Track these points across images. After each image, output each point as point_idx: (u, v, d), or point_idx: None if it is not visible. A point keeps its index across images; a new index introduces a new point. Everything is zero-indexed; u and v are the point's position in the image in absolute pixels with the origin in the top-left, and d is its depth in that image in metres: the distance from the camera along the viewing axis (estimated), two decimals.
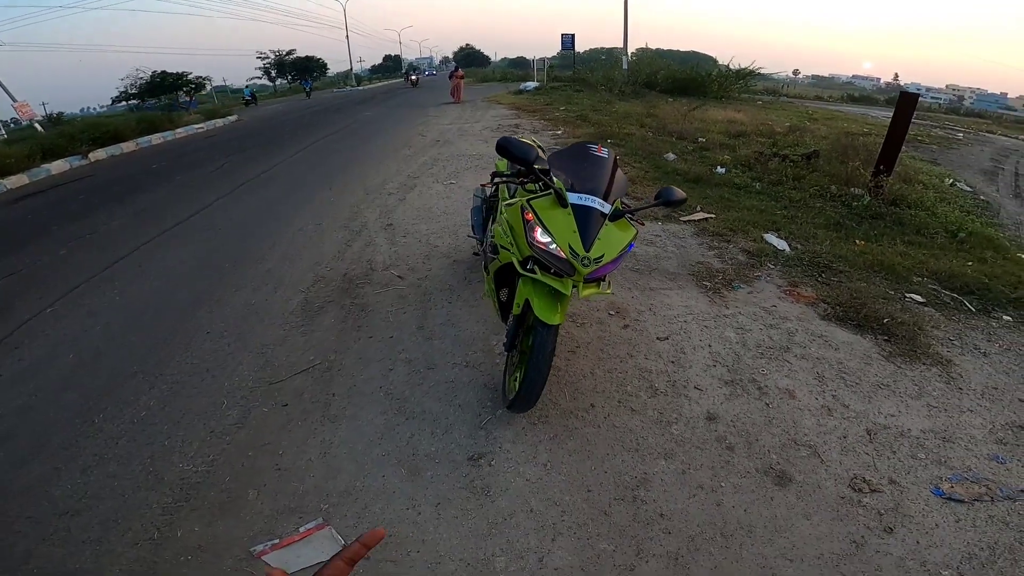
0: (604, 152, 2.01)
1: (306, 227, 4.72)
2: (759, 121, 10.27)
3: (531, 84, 17.13)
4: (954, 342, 3.09)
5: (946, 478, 2.02)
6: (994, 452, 2.18)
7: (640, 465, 2.04)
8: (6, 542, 1.76)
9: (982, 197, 6.98)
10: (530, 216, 1.85)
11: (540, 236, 1.80)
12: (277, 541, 1.78)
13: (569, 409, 2.30)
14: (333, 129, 10.71)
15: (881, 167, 5.39)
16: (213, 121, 10.96)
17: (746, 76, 15.33)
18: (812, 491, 1.95)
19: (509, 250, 2.02)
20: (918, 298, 3.61)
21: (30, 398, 2.50)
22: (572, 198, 1.83)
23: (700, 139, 8.35)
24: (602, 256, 1.78)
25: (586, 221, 1.79)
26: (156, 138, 9.21)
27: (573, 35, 19.40)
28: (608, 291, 1.98)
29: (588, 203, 1.83)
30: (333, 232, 4.55)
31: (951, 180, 7.58)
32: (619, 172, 2.07)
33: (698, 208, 5.04)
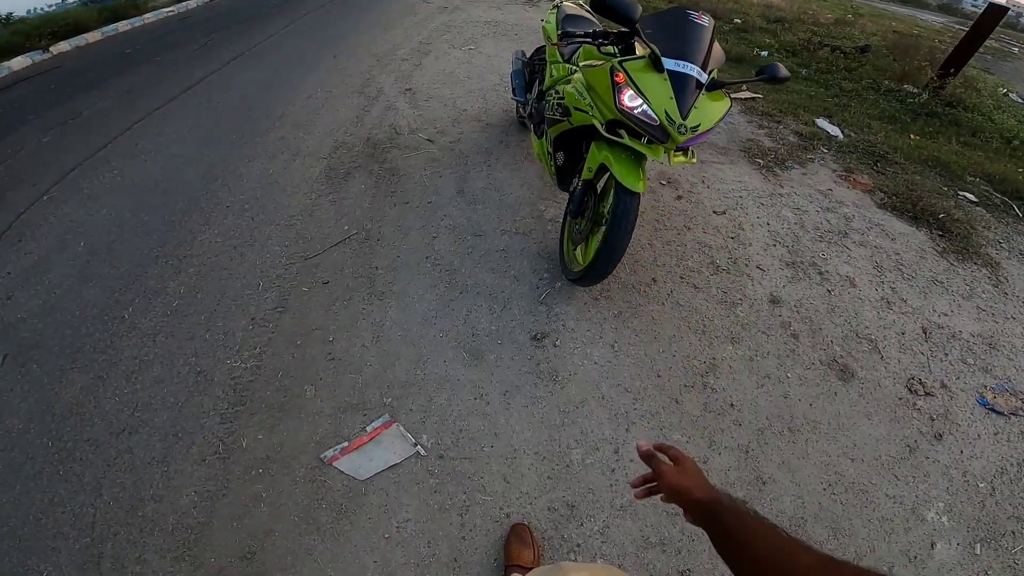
0: (704, 20, 1.72)
1: (315, 95, 4.23)
2: (800, 8, 9.28)
3: None
4: (1003, 245, 3.01)
5: (990, 387, 2.02)
6: None
7: (708, 349, 1.98)
8: (73, 472, 1.55)
9: None
10: (621, 78, 1.65)
11: (632, 100, 1.63)
12: (346, 444, 1.65)
13: (630, 283, 2.20)
14: (316, 4, 9.47)
15: (951, 69, 4.95)
16: (184, 3, 9.53)
17: None
18: (873, 389, 1.93)
19: (587, 112, 1.81)
20: (971, 197, 3.47)
21: (49, 296, 2.18)
22: (668, 63, 1.61)
23: (736, 20, 7.56)
24: (698, 125, 1.63)
25: (682, 88, 1.61)
26: (123, 25, 7.97)
27: None
28: (694, 160, 1.83)
29: (686, 70, 1.62)
30: (347, 98, 4.10)
31: (1004, 90, 7.12)
32: (716, 43, 1.81)
33: (744, 87, 4.65)
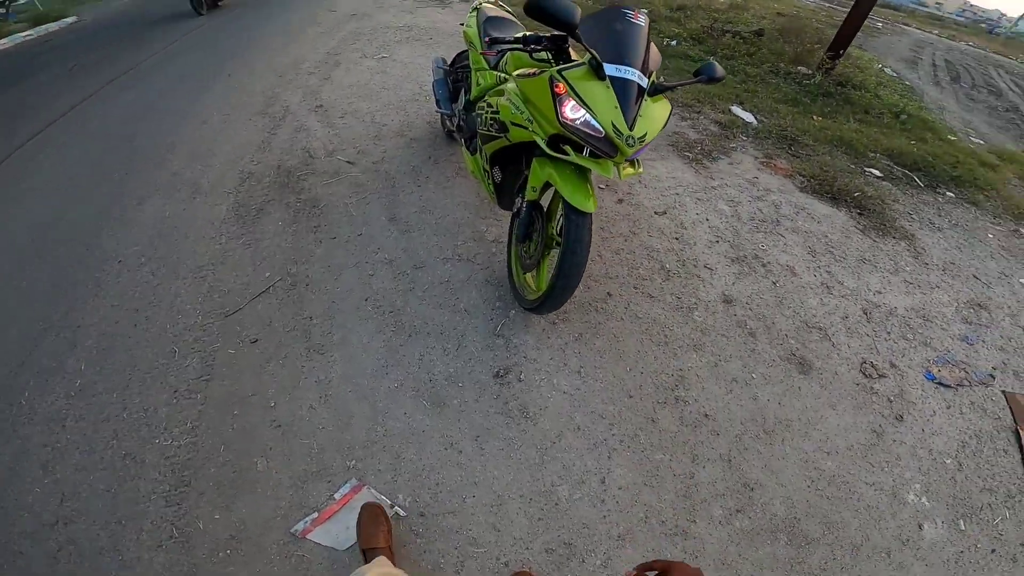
0: (640, 18, 1.62)
1: (211, 119, 3.79)
2: None
3: None
4: (913, 216, 3.24)
5: (933, 361, 2.14)
6: (963, 332, 2.34)
7: (673, 360, 1.94)
8: (17, 568, 1.35)
9: (907, 82, 7.30)
10: (562, 88, 1.50)
11: (574, 112, 1.49)
12: (316, 515, 1.46)
13: (586, 301, 2.10)
14: (213, 14, 8.68)
15: (839, 50, 5.32)
16: (45, 26, 8.39)
17: None
18: (831, 379, 1.97)
19: (526, 127, 1.66)
20: (876, 172, 3.73)
21: None
22: (609, 70, 1.49)
23: (644, 10, 7.78)
24: (645, 134, 1.52)
25: (626, 95, 1.49)
26: None
27: None
28: (641, 170, 1.76)
29: (627, 75, 1.49)
30: (248, 121, 3.70)
31: (880, 65, 7.81)
32: (652, 43, 1.73)
33: (662, 78, 4.74)
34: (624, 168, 1.63)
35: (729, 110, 4.19)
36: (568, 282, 1.68)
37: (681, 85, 1.72)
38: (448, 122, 2.79)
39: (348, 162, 3.02)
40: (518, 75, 1.77)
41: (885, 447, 1.77)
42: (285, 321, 2.00)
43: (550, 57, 1.74)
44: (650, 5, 8.00)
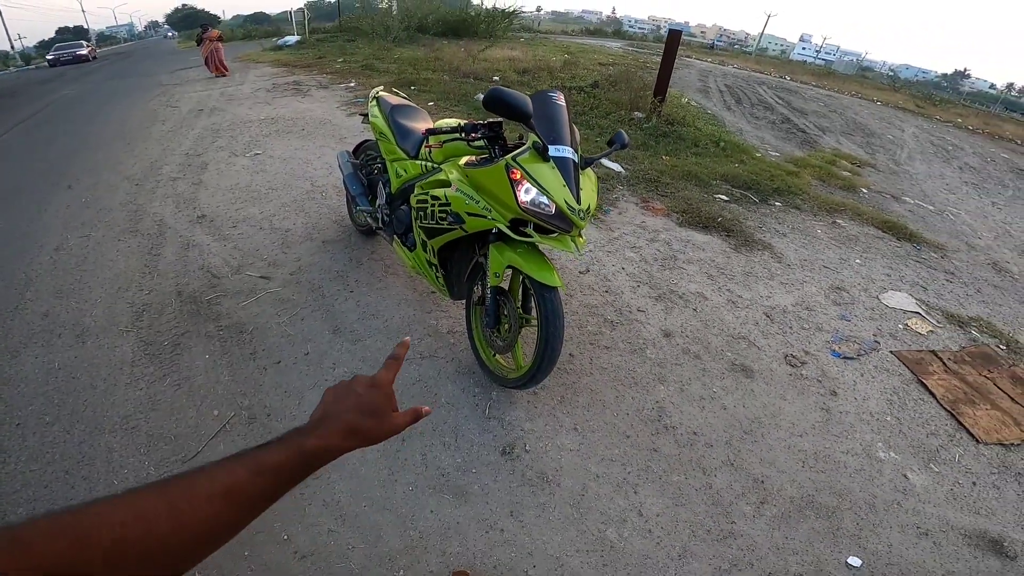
0: (561, 99, 1.86)
1: (65, 243, 3.30)
2: (533, 57, 10.92)
3: (292, 38, 14.67)
4: (762, 229, 3.99)
5: (831, 341, 2.66)
6: (839, 312, 2.95)
7: (647, 396, 2.15)
8: None
9: (709, 112, 8.91)
10: (517, 174, 1.66)
11: (531, 195, 1.66)
12: None
13: (556, 366, 2.24)
14: (23, 115, 7.57)
15: (663, 93, 6.36)
16: None
17: (510, 16, 16.09)
18: (769, 375, 2.36)
19: (485, 216, 1.78)
20: (724, 197, 4.51)
21: None
22: (552, 151, 1.69)
23: (495, 77, 8.51)
24: (589, 206, 1.74)
25: (567, 173, 1.69)
26: None
27: None
28: (585, 240, 1.96)
29: (565, 154, 1.71)
30: (117, 242, 3.29)
31: (685, 99, 9.45)
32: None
33: (601, 161, 5.20)
34: (580, 239, 1.82)
35: (601, 163, 4.77)
36: (554, 353, 1.81)
37: (603, 157, 1.97)
38: (368, 219, 2.78)
39: (262, 277, 2.84)
40: (465, 165, 1.88)
41: (837, 419, 2.17)
42: None
43: (485, 144, 1.87)
44: (499, 73, 8.78)
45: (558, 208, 1.65)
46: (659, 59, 15.00)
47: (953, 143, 10.36)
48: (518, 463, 1.84)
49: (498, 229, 1.77)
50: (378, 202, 2.70)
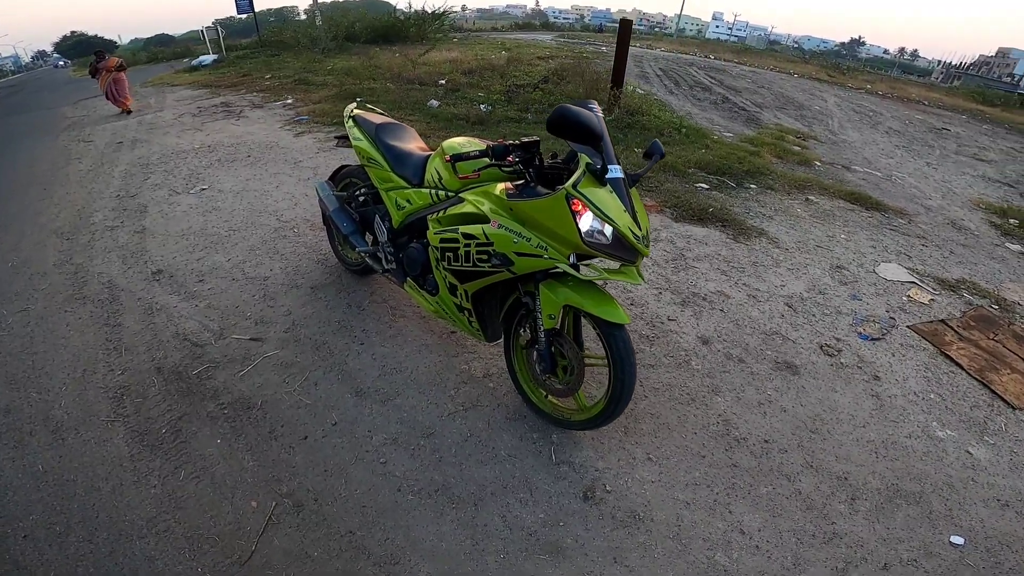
0: (597, 107, 1.68)
1: (4, 321, 2.80)
2: (474, 57, 10.67)
3: (208, 57, 13.50)
4: (750, 214, 4.03)
5: (854, 324, 2.68)
6: (849, 292, 3.00)
7: (708, 411, 2.07)
8: None
9: (656, 97, 9.04)
10: (579, 204, 1.47)
11: (596, 226, 1.47)
12: None
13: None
14: None
15: (620, 84, 6.33)
16: None
17: (440, 17, 15.68)
18: (813, 369, 2.34)
19: (539, 256, 1.58)
20: (704, 186, 4.53)
21: None
22: (611, 171, 1.50)
23: (441, 82, 8.22)
24: (647, 230, 1.56)
25: (621, 194, 1.52)
26: None
27: None
28: None
29: (618, 174, 1.53)
30: (63, 313, 2.82)
31: (631, 87, 9.54)
32: None
33: (647, 174, 4.99)
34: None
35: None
36: (629, 393, 1.66)
37: (647, 171, 1.74)
38: (369, 261, 2.51)
39: (253, 340, 2.51)
40: (508, 196, 1.64)
41: (888, 404, 2.18)
42: (321, 546, 1.57)
43: (520, 167, 1.64)
44: (444, 76, 8.48)
45: (622, 237, 1.49)
46: (594, 48, 15.18)
47: (872, 109, 11.11)
48: (604, 506, 1.70)
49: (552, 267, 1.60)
50: (380, 240, 2.41)
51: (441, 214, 1.92)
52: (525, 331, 1.92)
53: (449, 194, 1.97)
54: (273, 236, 3.46)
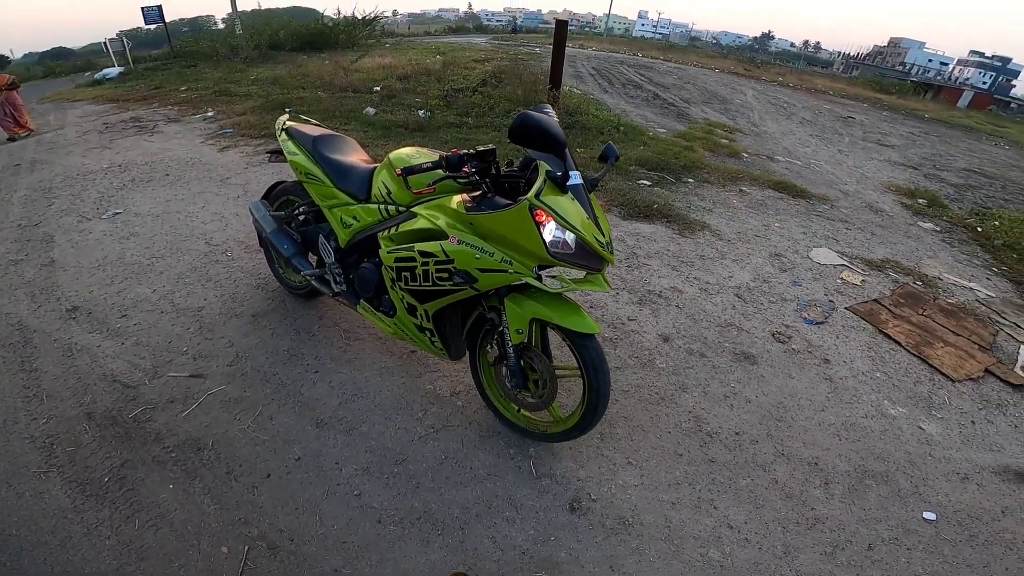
0: (552, 111, 1.65)
1: None
2: (407, 62, 10.45)
3: (113, 70, 12.26)
4: (691, 208, 4.19)
5: (798, 309, 2.84)
6: (790, 279, 3.17)
7: (678, 408, 2.12)
8: None
9: (591, 96, 9.25)
10: (543, 215, 1.43)
11: (559, 235, 1.43)
12: None
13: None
14: None
15: (558, 85, 6.39)
16: None
17: (371, 23, 15.21)
18: (769, 358, 2.45)
19: (504, 271, 1.53)
20: (646, 183, 4.67)
21: None
22: (571, 178, 1.47)
23: (375, 88, 7.97)
24: (609, 236, 1.54)
25: (583, 201, 1.50)
26: None
27: (160, 6, 14.07)
28: None
29: (578, 180, 1.50)
30: None
31: (567, 87, 9.70)
32: None
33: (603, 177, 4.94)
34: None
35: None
36: (605, 401, 1.66)
37: (603, 176, 1.72)
38: (316, 284, 2.34)
39: (193, 376, 2.30)
40: (469, 211, 1.56)
41: (841, 386, 2.32)
42: None
43: (477, 177, 1.55)
44: (378, 83, 8.24)
45: (587, 245, 1.47)
46: (528, 50, 15.29)
47: (786, 101, 11.95)
48: (592, 515, 1.70)
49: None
50: (326, 261, 2.24)
51: (393, 231, 1.82)
52: (492, 347, 1.87)
53: (400, 209, 1.86)
54: (203, 262, 3.20)
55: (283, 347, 2.45)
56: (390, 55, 11.69)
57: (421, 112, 6.57)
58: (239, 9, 13.18)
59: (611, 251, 1.53)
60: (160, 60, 13.34)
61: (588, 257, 1.48)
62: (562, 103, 6.60)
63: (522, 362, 1.75)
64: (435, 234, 1.67)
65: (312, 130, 2.37)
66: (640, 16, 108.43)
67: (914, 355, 2.55)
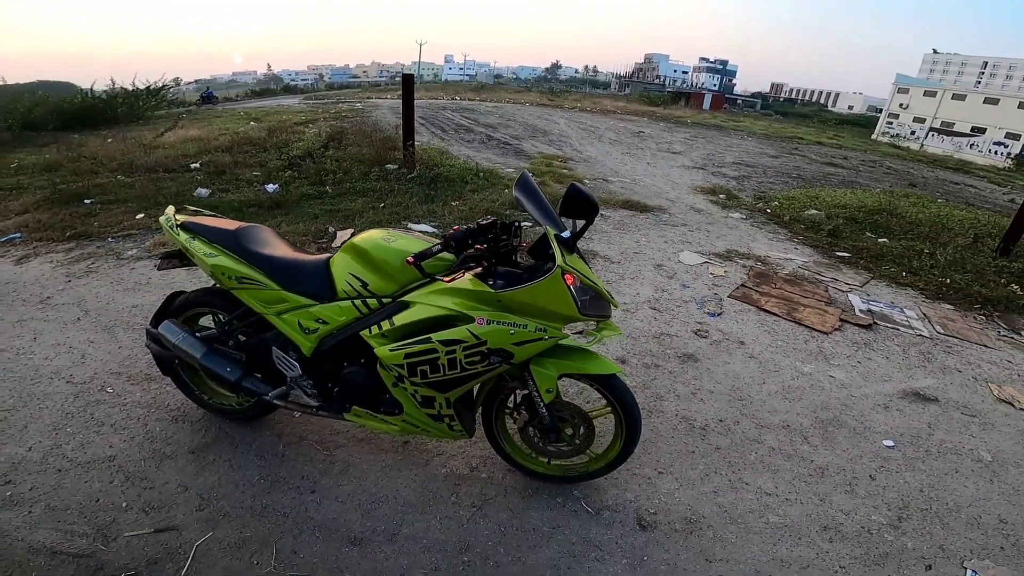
0: (530, 176, 1.75)
1: None
2: (221, 132, 9.55)
3: None
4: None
5: (699, 307, 3.45)
6: (679, 283, 3.82)
7: (667, 416, 2.47)
8: None
9: (435, 146, 9.59)
10: (572, 278, 1.58)
11: (584, 293, 1.60)
12: None
13: None
14: None
15: (408, 142, 6.51)
16: None
17: (159, 92, 13.34)
18: (703, 352, 2.95)
19: (540, 339, 1.63)
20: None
21: None
22: (564, 236, 1.60)
23: (193, 165, 7.11)
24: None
25: (583, 257, 1.70)
26: None
27: None
28: None
29: (568, 236, 1.62)
30: None
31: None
32: None
33: (334, 229, 4.75)
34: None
35: (411, 228, 4.71)
36: (639, 427, 1.87)
37: (584, 231, 1.72)
38: (281, 403, 2.06)
39: (159, 530, 1.87)
40: (497, 289, 1.59)
41: (763, 358, 2.91)
42: None
43: (478, 261, 1.62)
44: (195, 159, 7.39)
45: (601, 296, 1.64)
46: (348, 106, 15.03)
47: (591, 125, 13.94)
48: (661, 526, 1.92)
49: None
50: (288, 375, 1.99)
51: (387, 326, 1.71)
52: (520, 413, 1.96)
53: (384, 301, 1.77)
54: (78, 405, 2.55)
55: (255, 477, 2.16)
56: (196, 126, 10.53)
57: (268, 186, 6.08)
58: None
59: (613, 298, 1.76)
60: None
61: (602, 307, 1.68)
62: (419, 157, 6.75)
63: (555, 420, 1.88)
64: (446, 320, 1.66)
65: (223, 223, 2.08)
66: (447, 60, 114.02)
67: (792, 321, 3.34)
